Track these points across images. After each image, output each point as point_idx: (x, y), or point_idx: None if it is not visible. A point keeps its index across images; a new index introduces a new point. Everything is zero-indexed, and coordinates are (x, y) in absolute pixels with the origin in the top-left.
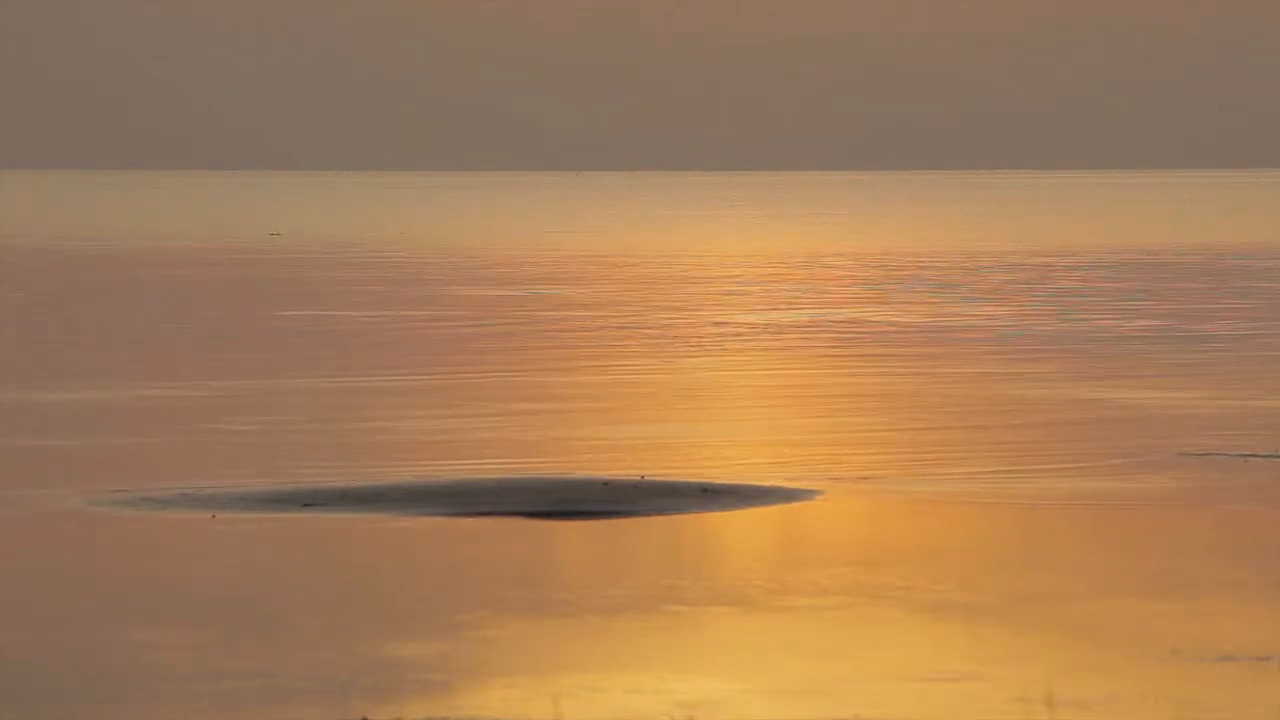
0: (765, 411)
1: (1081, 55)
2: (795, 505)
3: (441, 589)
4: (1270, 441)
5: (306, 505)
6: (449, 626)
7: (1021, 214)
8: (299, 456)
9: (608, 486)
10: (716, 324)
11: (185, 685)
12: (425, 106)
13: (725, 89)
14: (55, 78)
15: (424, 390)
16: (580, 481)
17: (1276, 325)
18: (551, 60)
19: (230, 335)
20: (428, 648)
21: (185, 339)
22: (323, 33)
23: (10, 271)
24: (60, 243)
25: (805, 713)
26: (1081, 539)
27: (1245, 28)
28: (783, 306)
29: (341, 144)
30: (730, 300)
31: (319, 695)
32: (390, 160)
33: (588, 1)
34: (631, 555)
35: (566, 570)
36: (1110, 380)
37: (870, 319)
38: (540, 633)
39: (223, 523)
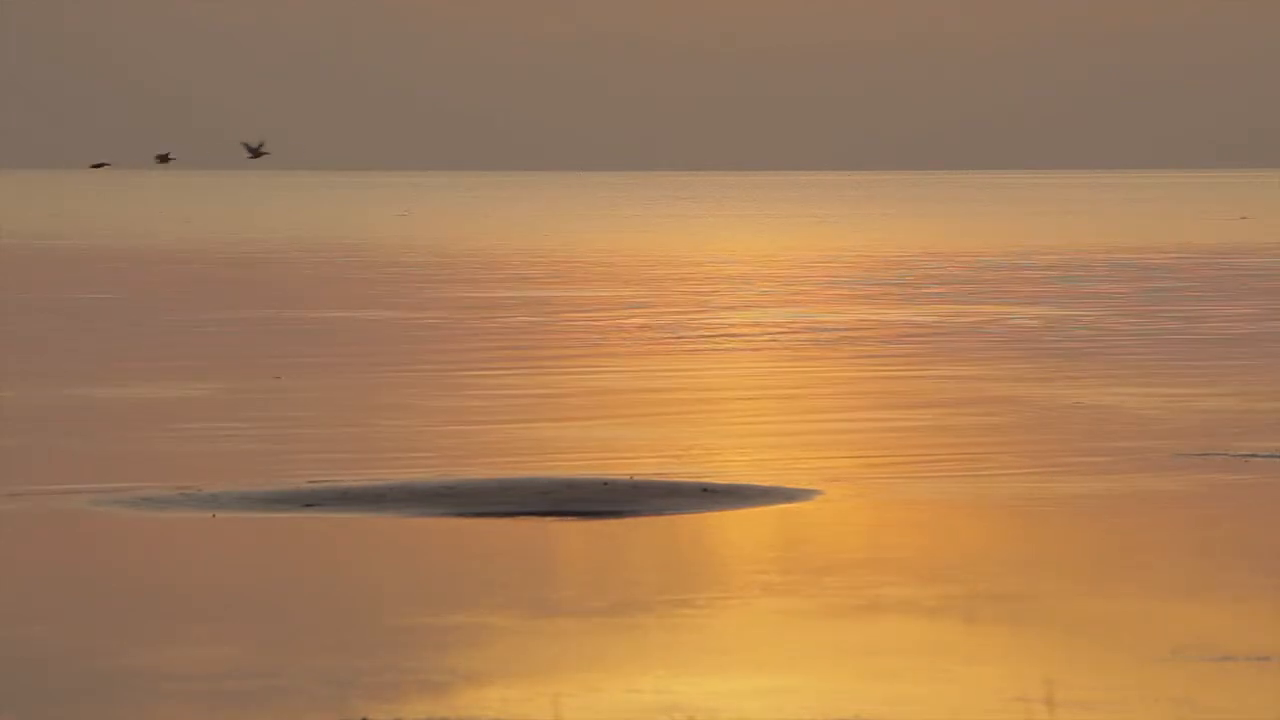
0: (765, 411)
1: (1094, 58)
2: (795, 505)
3: (441, 589)
4: (1270, 441)
5: (307, 505)
6: (449, 626)
7: (1023, 215)
8: (299, 456)
9: (608, 486)
10: (717, 324)
11: (185, 685)
12: (426, 108)
13: (726, 91)
14: (52, 78)
15: (424, 390)
16: (580, 481)
17: (1277, 325)
18: (554, 64)
19: (230, 334)
20: (428, 647)
21: (185, 338)
22: (319, 37)
23: (8, 271)
24: (59, 242)
25: (805, 713)
26: (1081, 539)
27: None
28: (783, 306)
29: (341, 144)
30: (730, 300)
31: (319, 695)
32: (392, 162)
33: (591, 8)
34: (631, 555)
35: (566, 570)
36: (1109, 380)
37: (871, 319)
38: (540, 633)
39: (223, 523)
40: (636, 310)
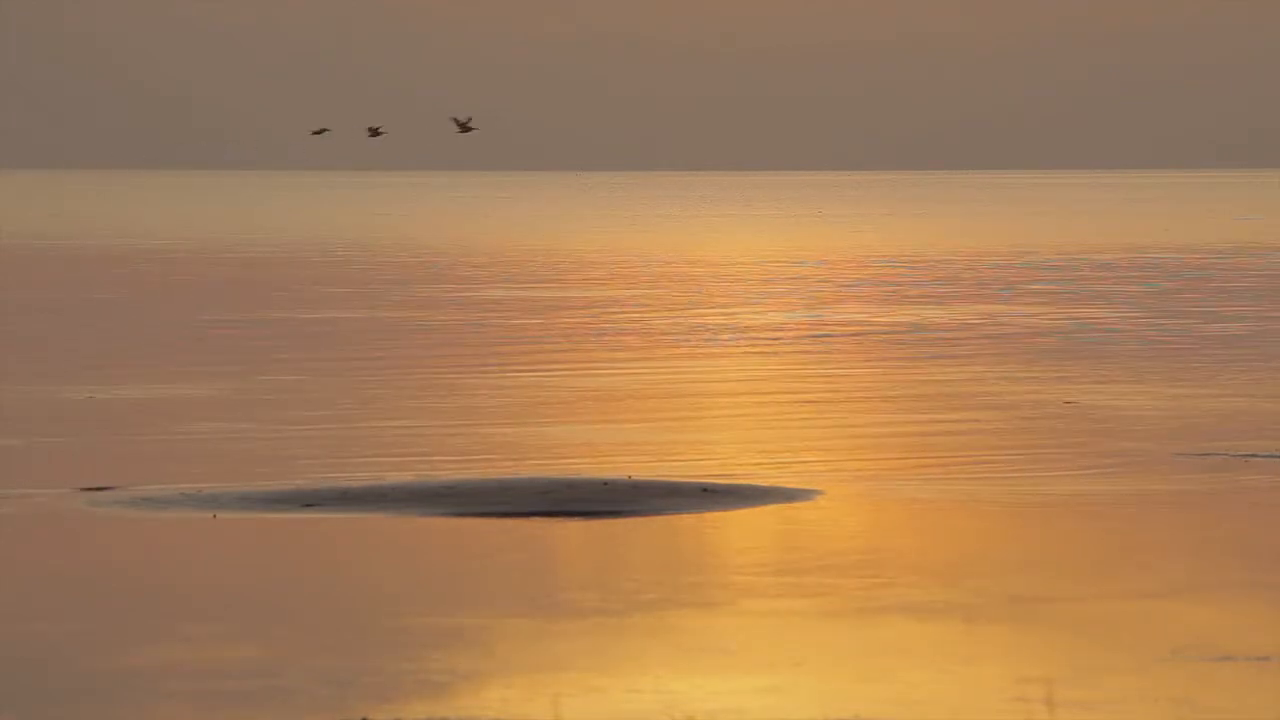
0: (765, 411)
1: (1094, 58)
2: (795, 505)
3: (441, 589)
4: (1270, 441)
5: (307, 505)
6: (449, 626)
7: (1023, 215)
8: (299, 456)
9: (608, 486)
10: (717, 324)
11: (185, 685)
12: (426, 108)
13: (726, 91)
14: (52, 78)
15: (425, 391)
16: (580, 481)
17: (1277, 325)
18: (554, 64)
19: (230, 334)
20: (428, 647)
21: (185, 338)
22: (319, 37)
23: (8, 271)
24: (59, 242)
25: (805, 713)
26: (1081, 539)
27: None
28: (784, 306)
29: (341, 144)
30: (731, 300)
31: (319, 695)
32: (392, 162)
33: (591, 8)
34: (631, 555)
35: (566, 570)
36: (1110, 380)
37: (872, 319)
38: (540, 633)
39: (223, 523)
40: (637, 310)
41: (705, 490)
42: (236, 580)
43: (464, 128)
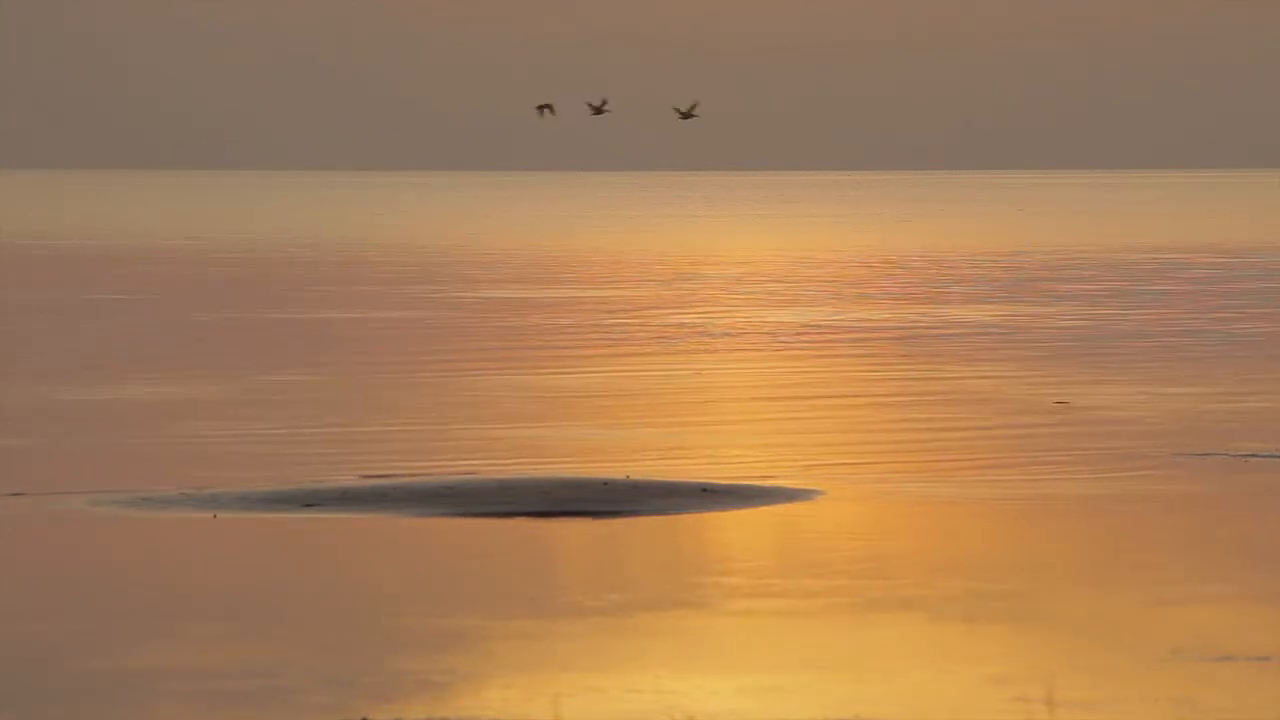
0: (765, 411)
1: (1094, 58)
2: (795, 505)
3: (442, 589)
4: (1270, 442)
5: (307, 505)
6: (449, 627)
7: (1024, 215)
8: (299, 456)
9: (608, 486)
10: (717, 324)
11: (185, 685)
12: (426, 108)
13: (726, 91)
14: (52, 78)
15: (425, 390)
16: (580, 481)
17: (1277, 326)
18: (554, 64)
19: (231, 335)
20: (428, 647)
21: (186, 338)
22: (319, 37)
23: (8, 271)
24: (59, 242)
25: (805, 713)
26: (1081, 539)
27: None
28: (783, 306)
29: (341, 144)
30: (731, 300)
31: (319, 695)
32: (392, 162)
33: (591, 8)
34: (631, 555)
35: (566, 570)
36: (1109, 380)
37: (871, 319)
38: (540, 633)
39: (223, 523)
40: (637, 310)
41: (705, 490)
42: (236, 580)
43: (686, 114)
